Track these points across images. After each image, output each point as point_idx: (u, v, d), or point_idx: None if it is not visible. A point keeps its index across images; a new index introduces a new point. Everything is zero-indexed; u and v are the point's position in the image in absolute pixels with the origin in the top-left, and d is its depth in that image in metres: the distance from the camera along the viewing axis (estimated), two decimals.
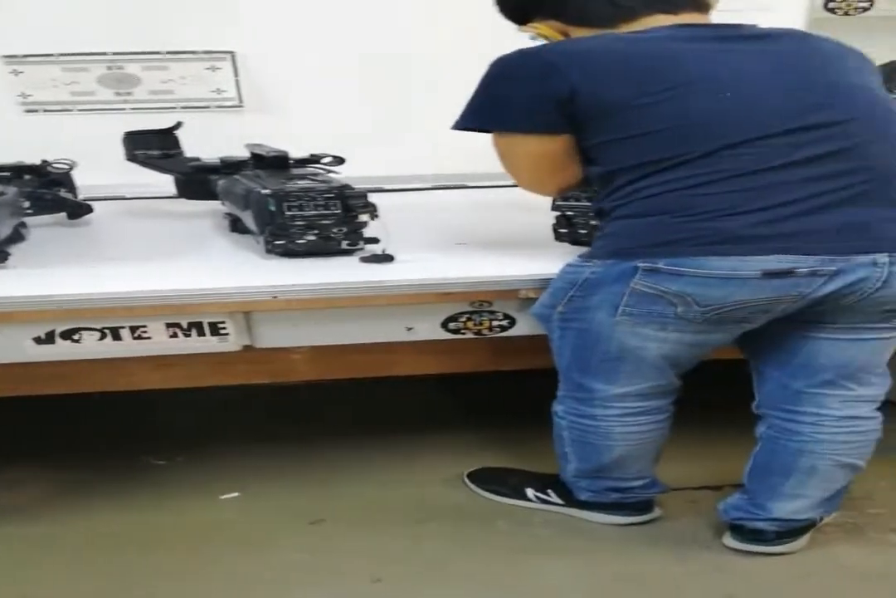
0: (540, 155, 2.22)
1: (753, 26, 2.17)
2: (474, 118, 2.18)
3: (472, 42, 2.76)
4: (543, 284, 2.31)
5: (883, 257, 2.04)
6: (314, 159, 2.90)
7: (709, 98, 2.04)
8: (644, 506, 2.62)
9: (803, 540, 2.46)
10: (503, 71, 2.14)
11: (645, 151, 2.08)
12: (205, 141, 3.04)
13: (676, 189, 2.06)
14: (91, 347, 2.34)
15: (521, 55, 2.13)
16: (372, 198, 2.46)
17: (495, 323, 2.46)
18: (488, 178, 3.30)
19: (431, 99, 3.14)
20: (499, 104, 2.17)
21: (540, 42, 2.28)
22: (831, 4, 3.52)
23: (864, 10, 3.51)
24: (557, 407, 2.48)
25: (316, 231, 2.45)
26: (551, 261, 2.32)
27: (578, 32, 2.25)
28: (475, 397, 3.42)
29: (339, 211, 2.45)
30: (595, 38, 2.16)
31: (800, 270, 2.02)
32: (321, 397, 3.40)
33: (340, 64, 3.46)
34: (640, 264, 2.08)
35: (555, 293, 2.27)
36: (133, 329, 2.33)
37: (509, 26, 2.36)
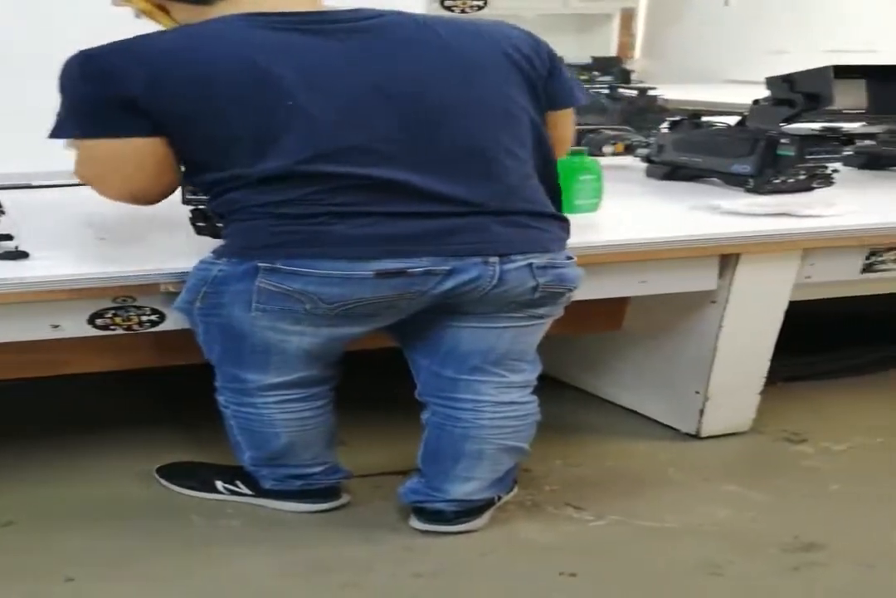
0: (128, 159, 2.19)
1: (356, 11, 2.19)
2: (58, 127, 2.16)
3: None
4: (183, 278, 2.31)
5: (494, 258, 2.20)
6: None
7: (276, 106, 2.09)
8: (330, 493, 2.66)
9: (484, 518, 2.57)
10: (67, 75, 2.12)
11: (229, 163, 2.14)
12: None
13: (274, 201, 2.14)
14: None
15: (81, 57, 2.11)
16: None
17: (144, 318, 2.43)
18: None
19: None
20: (72, 110, 2.15)
21: (144, 20, 2.27)
22: (448, 2, 3.57)
23: (480, 8, 3.60)
24: (220, 397, 2.51)
25: None
26: (193, 255, 2.32)
27: (177, 9, 2.24)
28: (165, 393, 3.39)
29: None
30: (167, 35, 2.17)
31: (413, 270, 2.16)
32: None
33: None
34: (261, 264, 2.16)
35: (190, 289, 2.29)
36: None
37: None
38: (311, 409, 2.49)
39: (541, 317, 2.38)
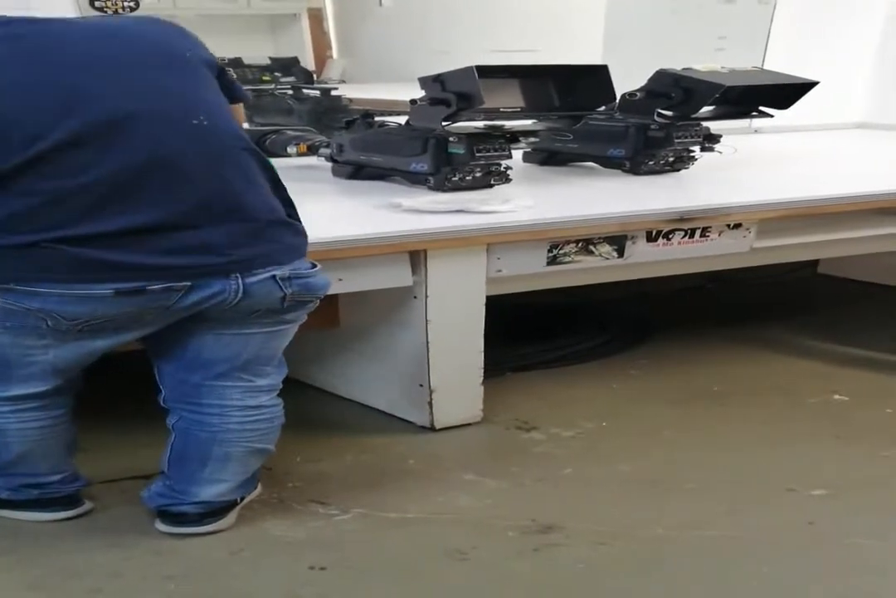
0: None
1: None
2: None
3: None
4: None
5: (235, 275, 2.24)
6: None
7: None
8: (71, 501, 2.61)
9: (230, 518, 2.57)
10: None
11: None
12: None
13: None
14: None
15: None
16: None
17: None
18: None
19: None
20: None
21: None
22: (97, 3, 3.51)
23: (133, 9, 3.56)
24: None
25: None
26: None
27: None
28: None
29: None
30: None
31: (152, 287, 2.18)
32: None
33: None
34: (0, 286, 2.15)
35: None
36: None
37: None
38: (48, 418, 2.44)
39: (288, 322, 2.43)
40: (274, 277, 2.28)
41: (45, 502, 2.58)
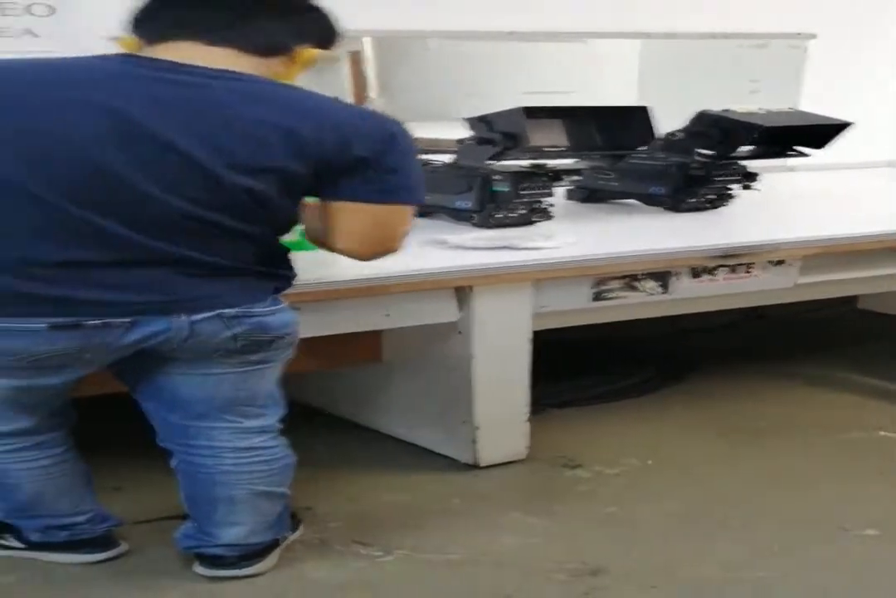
0: None
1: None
2: None
3: None
4: None
5: (179, 315, 2.17)
6: None
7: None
8: (103, 542, 2.55)
9: (270, 560, 2.51)
10: None
11: None
12: None
13: None
14: None
15: None
16: None
17: None
18: None
19: None
20: None
21: None
22: None
23: None
24: None
25: None
26: None
27: None
28: None
29: None
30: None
31: (88, 322, 2.12)
32: None
33: None
34: None
35: None
36: None
37: None
38: (47, 457, 2.40)
39: (258, 363, 2.33)
40: (220, 315, 2.19)
41: (76, 543, 2.53)
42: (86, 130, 2.03)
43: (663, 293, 3.16)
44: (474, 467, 3.08)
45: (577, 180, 3.90)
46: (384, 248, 2.32)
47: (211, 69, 2.09)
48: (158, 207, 2.07)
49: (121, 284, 2.12)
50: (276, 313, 2.28)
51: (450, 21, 3.87)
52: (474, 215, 3.32)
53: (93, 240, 2.08)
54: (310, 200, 2.27)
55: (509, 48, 6.29)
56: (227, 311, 2.19)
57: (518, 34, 4.18)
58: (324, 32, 2.28)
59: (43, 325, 2.09)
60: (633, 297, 3.13)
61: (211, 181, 2.07)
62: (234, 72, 2.11)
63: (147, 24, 2.18)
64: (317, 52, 2.24)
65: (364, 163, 2.14)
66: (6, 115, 2.05)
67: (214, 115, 2.07)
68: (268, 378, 2.39)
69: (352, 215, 2.22)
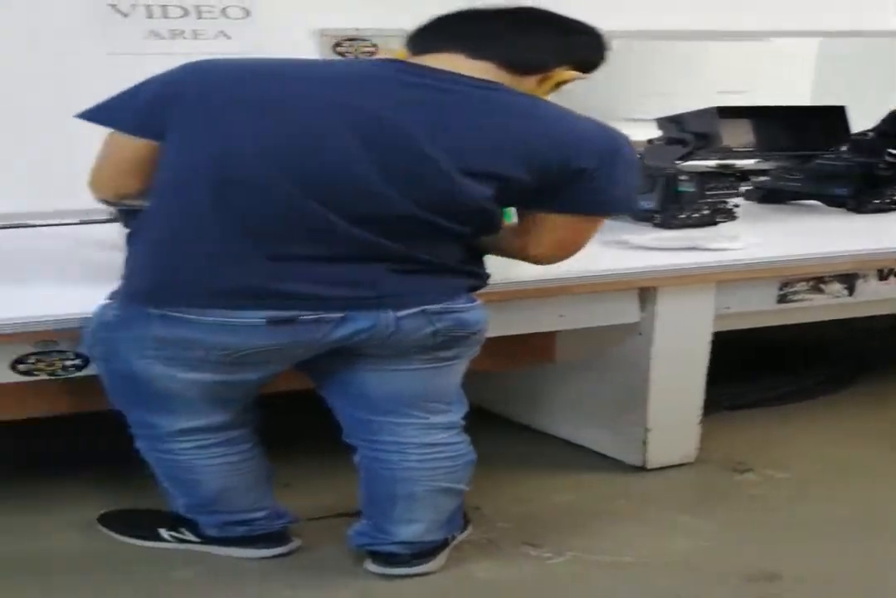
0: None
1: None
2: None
3: None
4: None
5: (386, 309, 2.18)
6: None
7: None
8: (278, 537, 2.59)
9: (440, 559, 2.52)
10: None
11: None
12: None
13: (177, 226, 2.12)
14: None
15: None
16: None
17: (68, 363, 2.36)
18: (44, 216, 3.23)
19: None
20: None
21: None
22: (340, 49, 3.56)
23: (371, 54, 3.59)
24: (138, 445, 2.44)
25: None
26: None
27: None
28: (100, 438, 3.25)
29: None
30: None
31: (303, 317, 2.13)
32: None
33: None
34: (152, 311, 2.12)
35: (88, 334, 2.25)
36: None
37: None
38: (235, 454, 2.43)
39: (450, 359, 2.34)
40: (424, 311, 2.21)
41: (253, 539, 2.57)
42: (334, 127, 2.05)
43: (848, 296, 3.11)
44: (641, 469, 3.05)
45: (757, 181, 3.85)
46: (572, 253, 2.33)
47: (472, 78, 2.10)
48: (389, 206, 2.09)
49: (335, 279, 2.14)
50: (472, 310, 2.30)
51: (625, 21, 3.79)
52: (656, 215, 3.29)
53: (318, 235, 2.10)
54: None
55: (688, 48, 6.24)
56: (431, 307, 2.21)
57: (699, 33, 4.13)
58: (589, 56, 2.27)
59: (262, 320, 2.11)
60: (817, 299, 3.08)
61: (444, 185, 2.09)
62: (492, 81, 2.12)
63: (419, 36, 2.20)
64: (574, 74, 2.23)
65: (585, 174, 2.14)
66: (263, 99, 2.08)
67: (462, 121, 2.08)
68: (455, 375, 2.41)
69: (559, 225, 2.24)
